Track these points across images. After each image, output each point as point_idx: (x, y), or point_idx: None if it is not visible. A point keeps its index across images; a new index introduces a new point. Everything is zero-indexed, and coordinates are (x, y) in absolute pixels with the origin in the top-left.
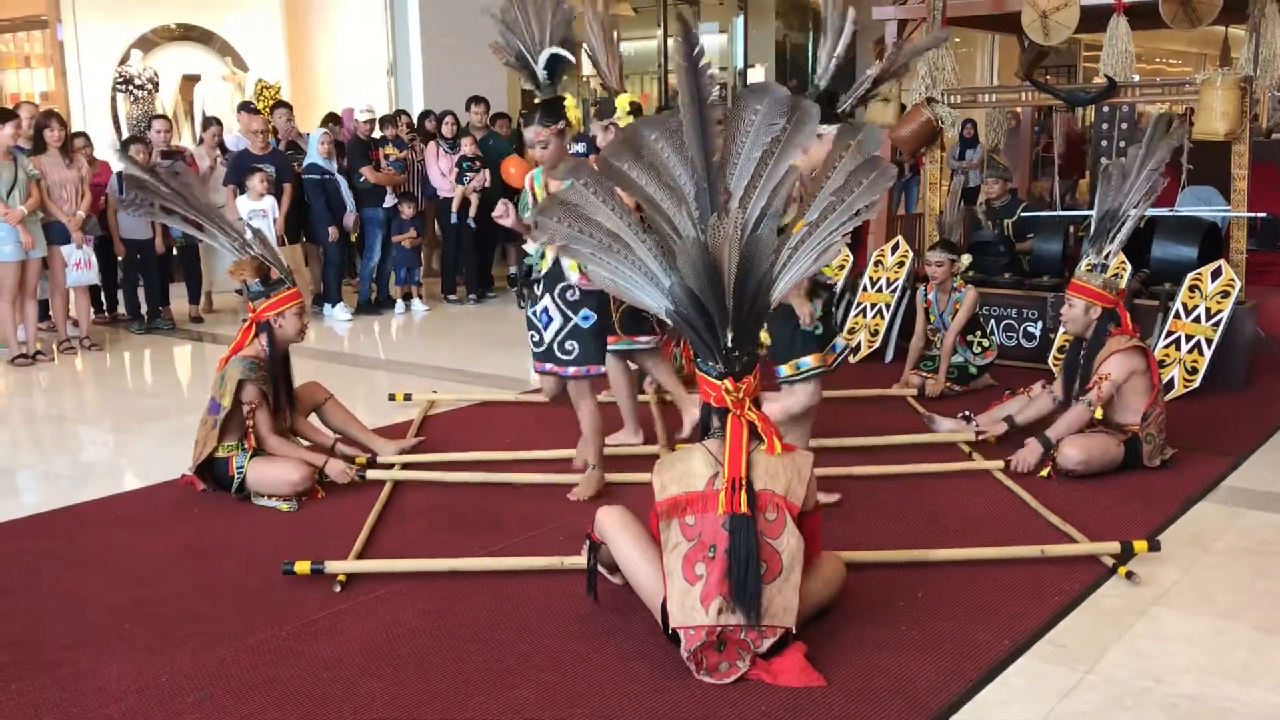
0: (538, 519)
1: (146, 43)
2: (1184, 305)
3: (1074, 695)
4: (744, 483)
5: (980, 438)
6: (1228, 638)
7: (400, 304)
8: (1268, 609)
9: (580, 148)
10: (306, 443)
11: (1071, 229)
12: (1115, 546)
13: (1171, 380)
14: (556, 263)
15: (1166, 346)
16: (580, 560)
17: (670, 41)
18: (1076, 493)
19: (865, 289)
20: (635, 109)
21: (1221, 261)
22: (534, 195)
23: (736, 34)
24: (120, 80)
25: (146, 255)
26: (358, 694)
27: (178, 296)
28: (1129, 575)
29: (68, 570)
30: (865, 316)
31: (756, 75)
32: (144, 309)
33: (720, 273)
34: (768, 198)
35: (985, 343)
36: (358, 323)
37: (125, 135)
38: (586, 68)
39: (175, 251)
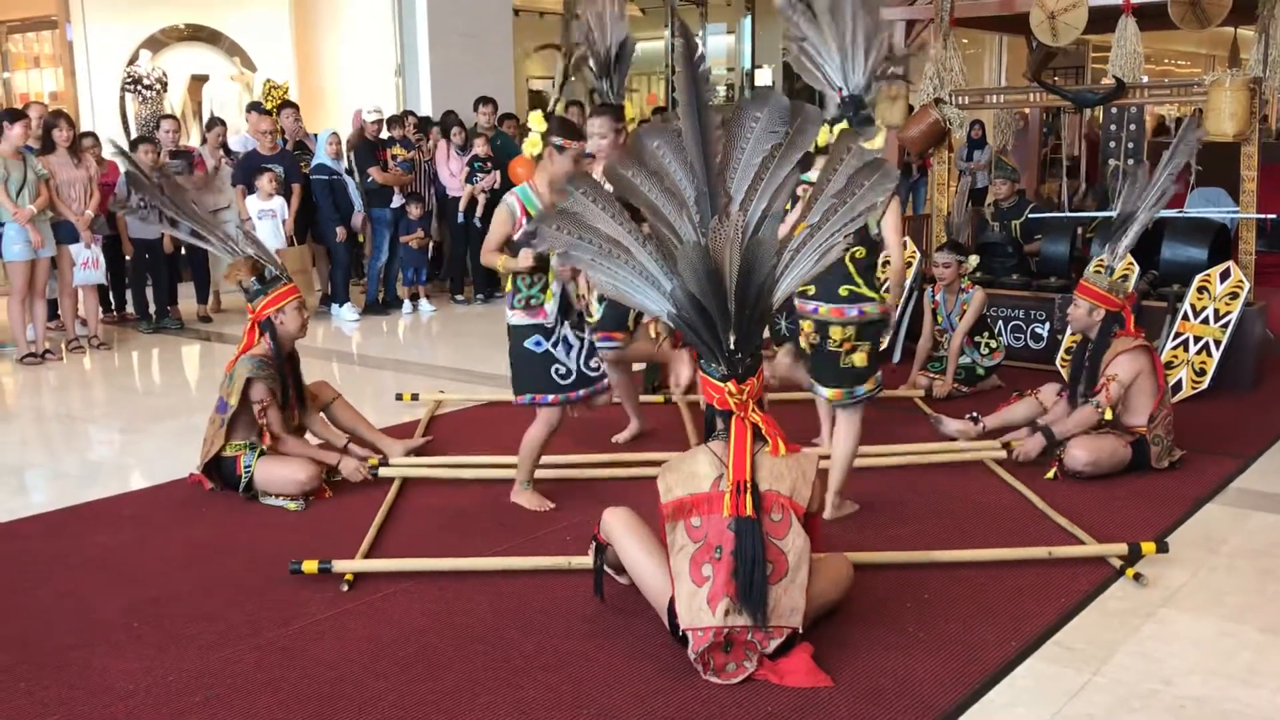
0: (544, 519)
1: (155, 43)
2: (1192, 306)
3: (1081, 697)
4: (748, 485)
5: (1003, 441)
6: (1235, 640)
7: (408, 304)
8: (1275, 611)
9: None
10: (318, 441)
11: (1079, 230)
12: (1123, 548)
13: (1180, 381)
14: (564, 295)
15: (1175, 348)
16: (587, 560)
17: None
18: (1084, 494)
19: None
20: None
21: (1230, 263)
22: (526, 213)
23: (744, 35)
24: (129, 80)
25: (155, 255)
26: (364, 693)
27: (186, 296)
28: (1136, 577)
29: (75, 569)
30: None
31: (764, 76)
32: (152, 308)
33: (721, 276)
34: (769, 201)
35: (993, 344)
36: (365, 323)
37: (134, 135)
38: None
39: (183, 251)
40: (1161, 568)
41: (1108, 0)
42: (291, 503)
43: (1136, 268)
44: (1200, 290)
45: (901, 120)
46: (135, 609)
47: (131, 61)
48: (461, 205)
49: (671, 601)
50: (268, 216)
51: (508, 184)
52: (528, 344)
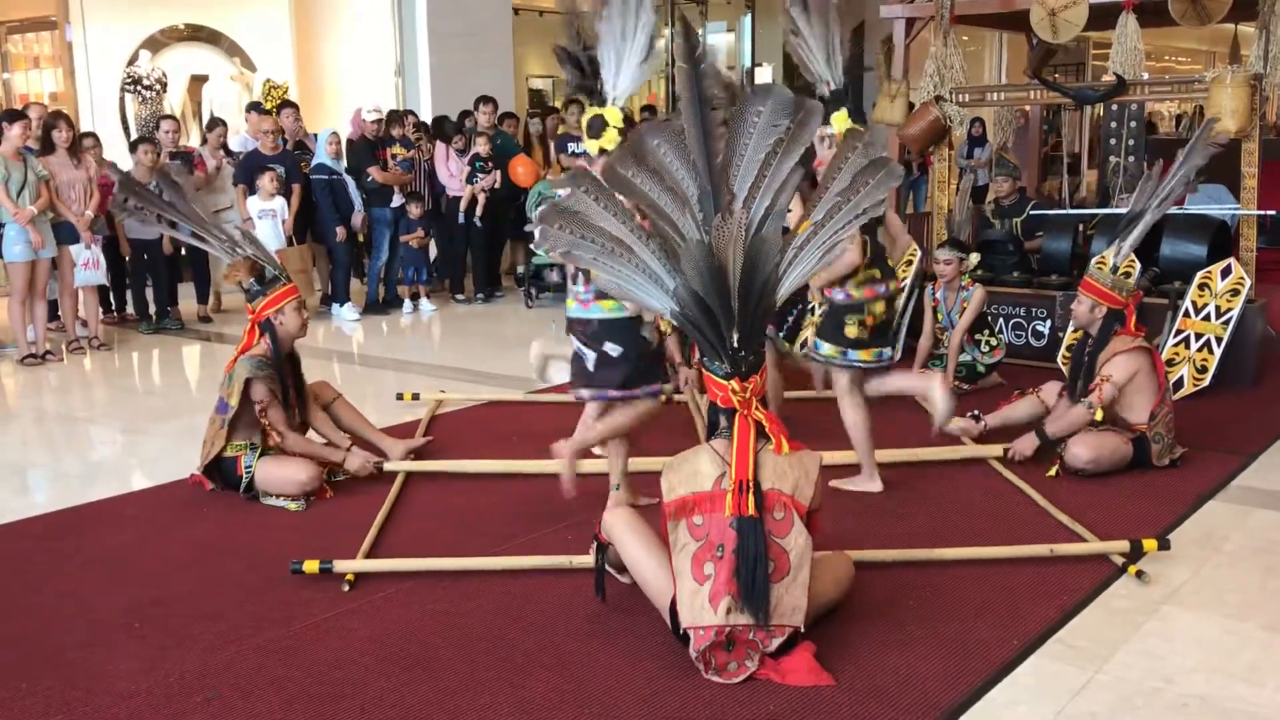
0: (545, 518)
1: (155, 43)
2: (1193, 303)
3: (1083, 695)
4: (751, 484)
5: (1012, 457)
6: (1238, 637)
7: (408, 304)
8: (1278, 609)
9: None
10: (323, 439)
11: (1081, 227)
12: (1125, 545)
13: (1181, 379)
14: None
15: (1176, 345)
16: (589, 559)
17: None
18: (1085, 491)
19: None
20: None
21: (1231, 259)
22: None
23: (744, 33)
24: (129, 81)
25: (154, 255)
26: (366, 693)
27: (186, 297)
28: (1139, 574)
29: (76, 569)
30: None
31: (764, 74)
32: (152, 309)
33: (725, 274)
34: (772, 198)
35: (994, 341)
36: (366, 322)
37: (135, 135)
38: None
39: (183, 252)
40: (1163, 565)
41: None
42: (292, 503)
43: (1138, 265)
44: (1201, 287)
45: (901, 118)
46: (136, 609)
47: (131, 62)
48: (462, 205)
49: (673, 601)
50: (268, 216)
51: (508, 183)
52: (644, 332)
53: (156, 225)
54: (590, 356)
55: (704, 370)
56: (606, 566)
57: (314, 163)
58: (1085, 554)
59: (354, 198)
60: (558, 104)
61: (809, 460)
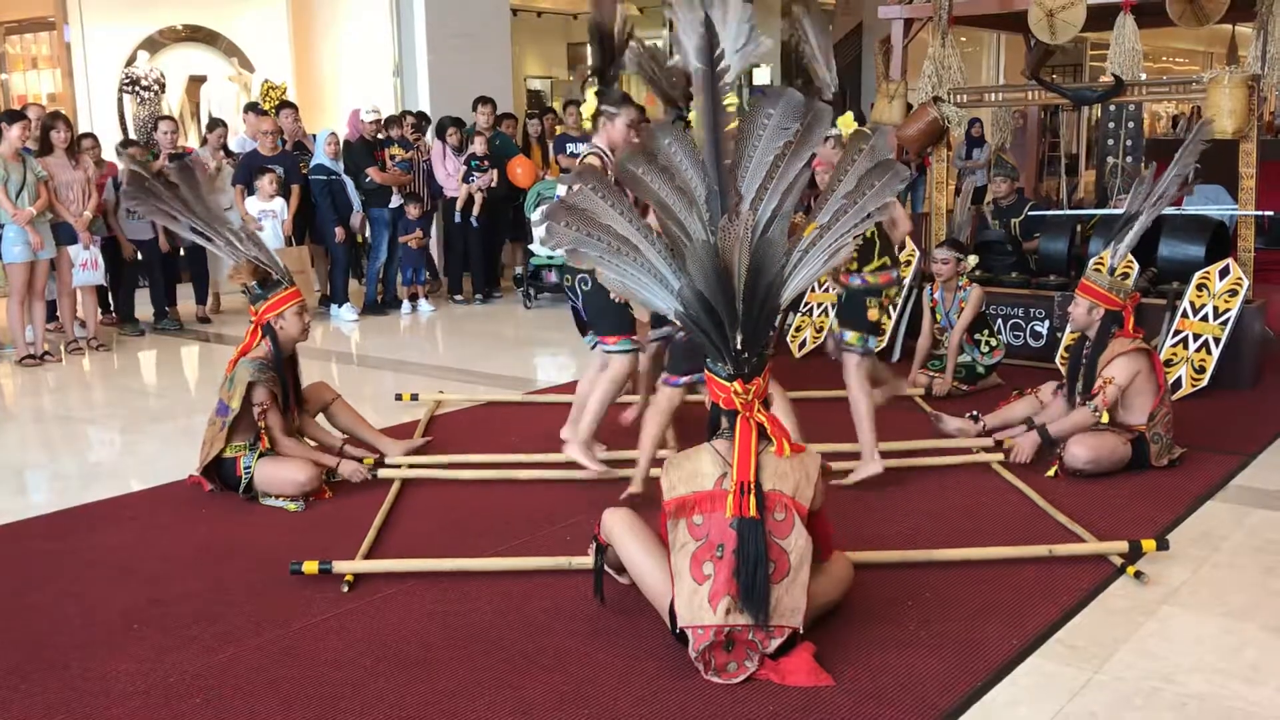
0: (544, 519)
1: (153, 44)
2: (1191, 304)
3: (1083, 695)
4: (752, 486)
5: (996, 439)
6: (1237, 637)
7: (406, 304)
8: (1277, 608)
9: (583, 147)
10: (314, 443)
11: (1079, 228)
12: (1124, 546)
13: (1179, 379)
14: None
15: (1174, 345)
16: (587, 560)
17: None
18: (1084, 492)
19: None
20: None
21: (1229, 260)
22: None
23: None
24: (127, 81)
25: (149, 255)
26: (365, 693)
27: (185, 297)
28: (1137, 575)
29: (76, 570)
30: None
31: (761, 75)
32: (150, 310)
33: (730, 275)
34: (779, 200)
35: (993, 342)
36: (364, 323)
37: (133, 136)
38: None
39: (182, 252)
40: (1162, 565)
41: None
42: (291, 503)
43: (1136, 265)
44: (1199, 288)
45: (899, 119)
46: (136, 610)
47: (129, 63)
48: (459, 204)
49: (672, 601)
50: (268, 217)
51: (505, 183)
52: None
53: (168, 222)
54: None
55: (707, 371)
56: (605, 567)
57: (313, 163)
58: (1084, 554)
59: (353, 198)
60: (556, 105)
61: (810, 462)
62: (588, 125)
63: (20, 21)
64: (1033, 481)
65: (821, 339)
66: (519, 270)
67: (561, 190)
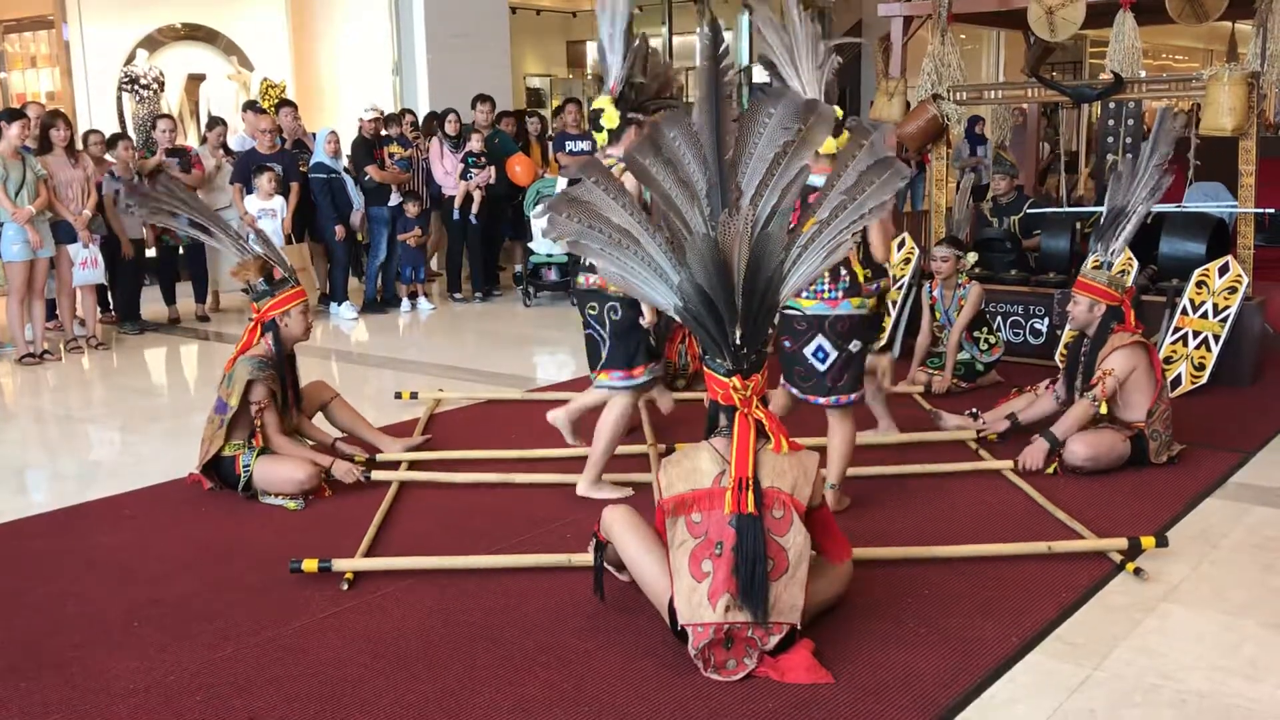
0: (544, 517)
1: (152, 42)
2: (1191, 301)
3: (1082, 692)
4: (751, 482)
5: (982, 434)
6: (1236, 634)
7: (406, 302)
8: (1276, 605)
9: (584, 145)
10: (311, 442)
11: (1078, 225)
12: (1123, 543)
13: (1179, 376)
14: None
15: (1174, 343)
16: (587, 558)
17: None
18: (1084, 489)
19: None
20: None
21: (1229, 257)
22: None
23: (741, 32)
24: (126, 80)
25: (141, 253)
26: (365, 691)
27: (184, 295)
28: (1137, 572)
29: (75, 569)
30: None
31: (760, 73)
32: (131, 309)
33: (730, 270)
34: (779, 195)
35: (992, 339)
36: (364, 321)
37: (131, 135)
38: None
39: (181, 251)
40: (1162, 562)
41: None
42: (291, 502)
43: (1135, 263)
44: (1199, 285)
45: (899, 116)
46: (136, 608)
47: (128, 61)
48: (457, 202)
49: (672, 598)
50: (267, 215)
51: (504, 180)
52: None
53: (170, 221)
54: (834, 356)
55: (705, 367)
56: (605, 565)
57: (312, 161)
58: (1083, 551)
59: (353, 196)
60: (555, 103)
61: (807, 459)
62: (604, 140)
63: (19, 20)
64: (1032, 479)
65: None
66: (518, 268)
67: (562, 184)
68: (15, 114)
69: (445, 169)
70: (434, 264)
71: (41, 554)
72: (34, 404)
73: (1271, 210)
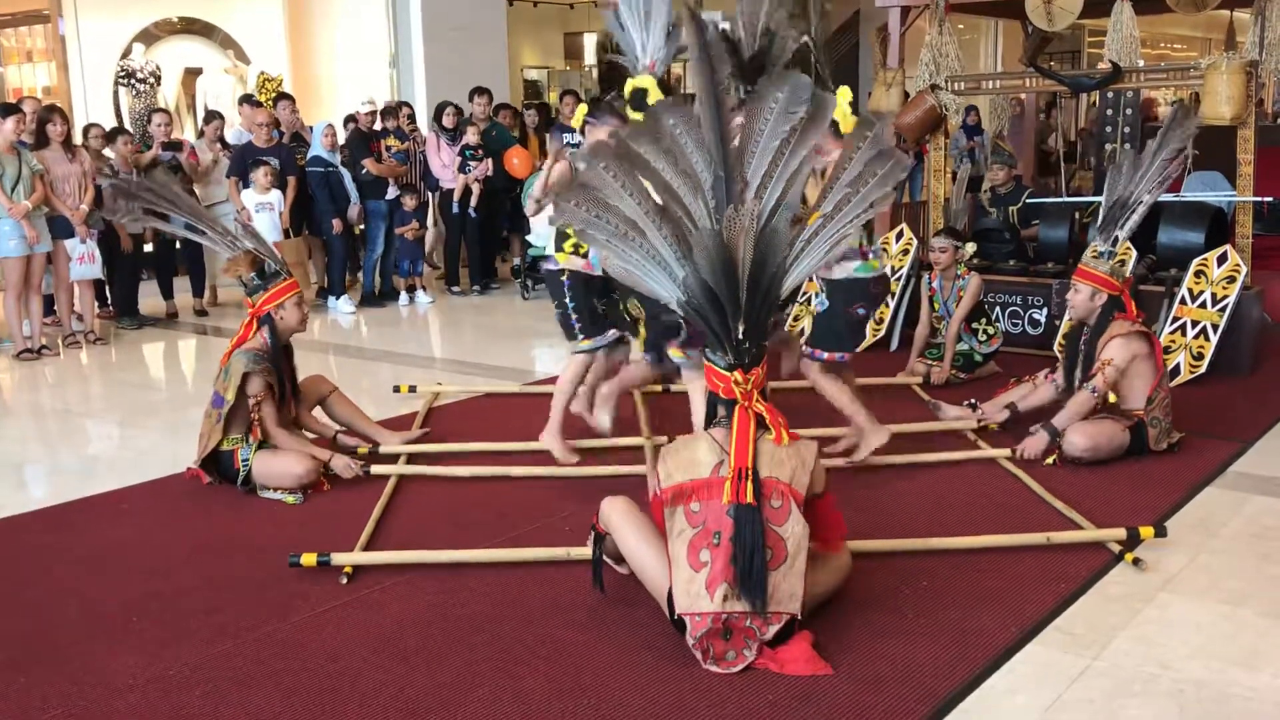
0: (543, 510)
1: (148, 36)
2: (1190, 290)
3: (1081, 682)
4: (750, 473)
5: (982, 423)
6: (1235, 623)
7: (404, 296)
8: (1275, 594)
9: (581, 139)
10: (311, 435)
11: (1077, 215)
12: (1121, 533)
13: (1177, 366)
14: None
15: (1172, 332)
16: (586, 550)
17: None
18: (1082, 479)
19: None
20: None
21: (1227, 246)
22: None
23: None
24: (122, 74)
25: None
26: (364, 685)
27: (181, 290)
28: (1135, 562)
29: (74, 564)
30: None
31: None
32: (129, 303)
33: (735, 265)
34: (783, 188)
35: (990, 330)
36: (362, 315)
37: (129, 129)
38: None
39: (178, 245)
40: (1160, 552)
41: None
42: (290, 496)
43: (1134, 252)
44: (1198, 274)
45: (896, 107)
46: (135, 603)
47: (124, 55)
48: (456, 195)
49: (670, 589)
50: (265, 209)
51: (501, 173)
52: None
53: (154, 223)
54: (847, 318)
55: (706, 361)
56: (604, 557)
57: (310, 155)
58: (1082, 542)
59: (350, 190)
60: (552, 96)
61: (805, 449)
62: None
63: (14, 14)
64: (1031, 469)
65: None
66: (516, 261)
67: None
68: (10, 109)
69: (443, 161)
70: (435, 257)
71: (40, 549)
72: (32, 399)
73: (1270, 199)
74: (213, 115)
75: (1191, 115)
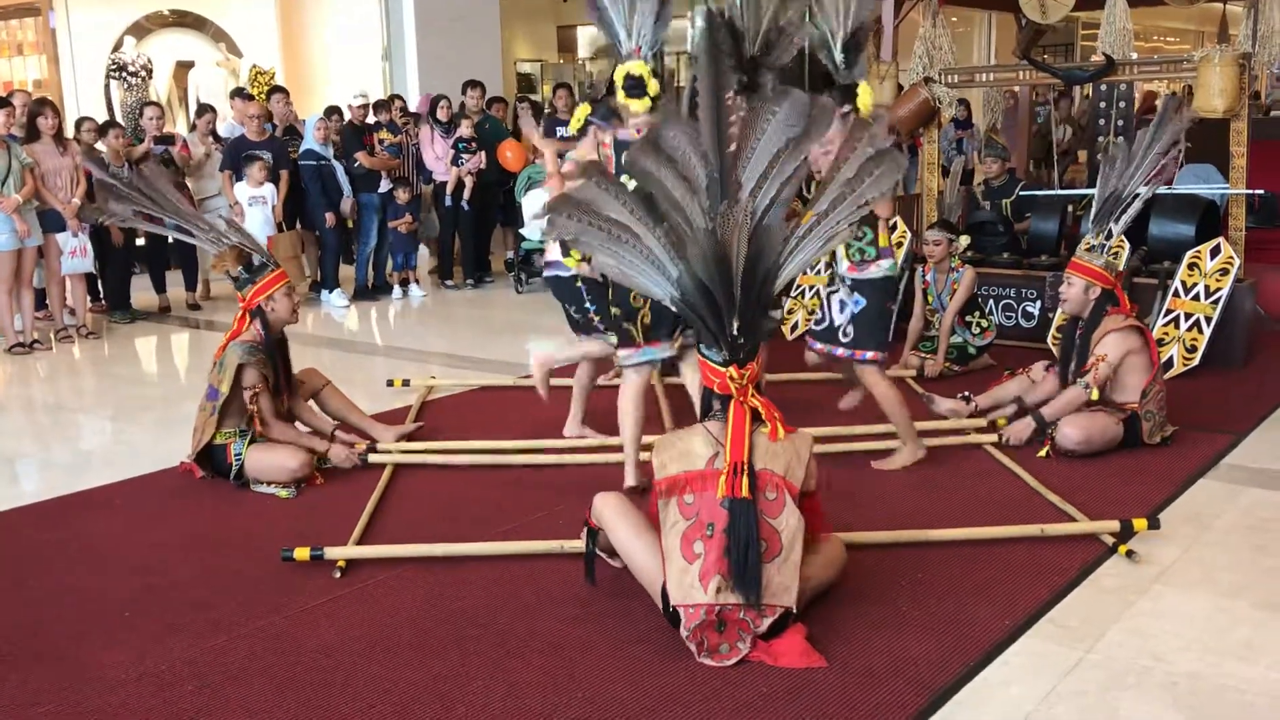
0: (536, 504)
1: (140, 29)
2: (1183, 283)
3: (1074, 674)
4: (745, 467)
5: (991, 419)
6: (1228, 615)
7: (397, 289)
8: (1268, 586)
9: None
10: (307, 428)
11: (1069, 208)
12: (1115, 525)
13: (1170, 359)
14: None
15: (1165, 325)
16: (579, 544)
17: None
18: (1076, 472)
19: None
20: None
21: (1220, 239)
22: None
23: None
24: (114, 67)
25: (128, 242)
26: (358, 679)
27: (174, 284)
28: (1129, 554)
29: (67, 559)
30: None
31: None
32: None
33: (729, 262)
34: (777, 188)
35: (984, 323)
36: (355, 308)
37: (121, 123)
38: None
39: (171, 240)
40: (1154, 545)
41: None
42: (283, 490)
43: (1127, 245)
44: (1191, 267)
45: (890, 100)
46: (127, 598)
47: (116, 48)
48: (449, 189)
49: (664, 583)
50: (258, 203)
51: (495, 166)
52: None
53: (143, 224)
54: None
55: (700, 356)
56: (597, 551)
57: (302, 148)
58: (1076, 534)
59: (343, 183)
60: (545, 89)
61: (800, 442)
62: (644, 107)
63: (5, 7)
64: (1024, 462)
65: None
66: (510, 255)
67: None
68: (0, 102)
69: (436, 154)
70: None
71: (33, 544)
72: (24, 394)
73: (1262, 192)
74: (205, 109)
75: (1185, 108)
